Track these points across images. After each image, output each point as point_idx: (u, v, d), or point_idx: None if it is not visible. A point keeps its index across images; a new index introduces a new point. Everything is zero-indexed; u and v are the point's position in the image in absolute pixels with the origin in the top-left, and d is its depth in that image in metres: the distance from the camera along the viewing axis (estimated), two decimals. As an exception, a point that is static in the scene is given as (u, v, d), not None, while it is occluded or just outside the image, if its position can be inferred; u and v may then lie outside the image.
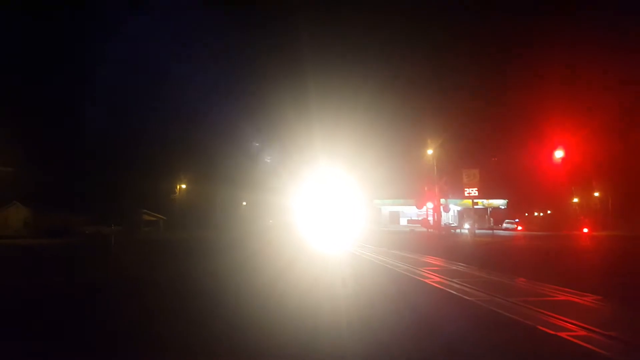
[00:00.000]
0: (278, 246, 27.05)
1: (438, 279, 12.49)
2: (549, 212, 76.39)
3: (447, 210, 53.41)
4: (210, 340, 6.49)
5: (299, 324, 7.28)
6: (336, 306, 8.90)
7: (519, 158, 52.17)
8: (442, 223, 52.13)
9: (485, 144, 60.16)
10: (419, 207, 53.47)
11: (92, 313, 8.54)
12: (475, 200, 55.49)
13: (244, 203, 71.85)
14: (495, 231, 56.06)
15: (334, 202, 46.52)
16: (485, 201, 66.78)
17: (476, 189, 46.92)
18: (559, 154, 29.32)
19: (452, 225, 59.94)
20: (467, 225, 56.38)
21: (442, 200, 46.98)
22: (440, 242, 33.60)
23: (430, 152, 45.56)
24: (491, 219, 66.73)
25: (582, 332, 6.63)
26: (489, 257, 20.79)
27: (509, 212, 71.96)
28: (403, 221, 68.73)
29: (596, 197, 69.75)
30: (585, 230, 54.76)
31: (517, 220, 70.01)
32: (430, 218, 50.55)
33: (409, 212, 66.55)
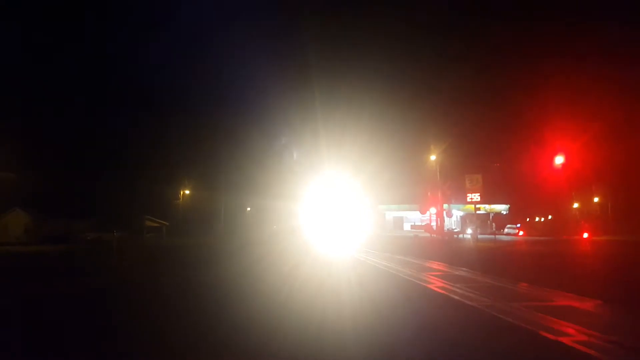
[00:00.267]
0: (282, 252, 27.13)
1: (441, 284, 12.58)
2: (550, 217, 76.34)
3: (450, 215, 53.54)
4: (215, 344, 6.58)
5: (303, 329, 7.40)
6: (341, 311, 9.01)
7: (520, 164, 52.25)
8: (445, 228, 52.19)
9: (488, 149, 60.28)
10: (423, 212, 53.66)
11: (92, 319, 8.63)
12: (477, 206, 55.56)
13: (249, 209, 71.98)
14: (497, 236, 56.05)
15: (339, 208, 46.66)
16: (488, 206, 66.82)
17: (479, 194, 47.06)
18: (559, 159, 29.44)
19: (455, 230, 59.97)
20: (469, 231, 56.38)
21: (445, 206, 47.09)
22: (444, 247, 33.64)
23: (433, 157, 45.72)
24: (493, 224, 66.73)
25: (584, 337, 6.70)
26: (491, 262, 20.84)
27: (511, 218, 71.99)
28: (407, 226, 68.87)
29: (596, 202, 69.75)
30: (586, 235, 54.73)
31: (518, 225, 69.99)
32: (434, 223, 50.64)
33: (413, 218, 66.73)
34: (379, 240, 40.69)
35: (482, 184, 46.77)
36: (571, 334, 6.89)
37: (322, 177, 47.77)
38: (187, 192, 66.66)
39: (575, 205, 70.35)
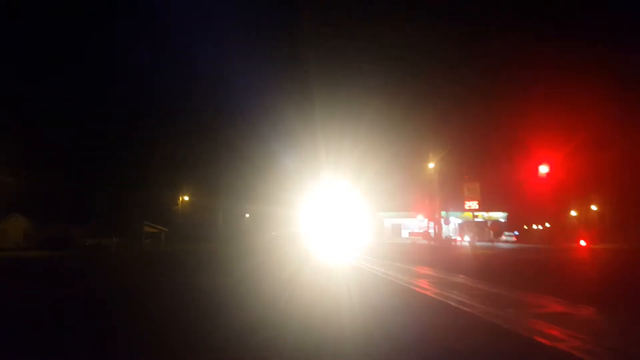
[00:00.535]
0: (281, 259, 27.17)
1: (438, 291, 12.66)
2: (547, 225, 76.56)
3: (447, 223, 53.73)
4: (215, 349, 6.63)
5: (304, 336, 7.50)
6: (341, 317, 9.10)
7: (519, 172, 52.47)
8: (443, 235, 52.33)
9: (487, 158, 60.50)
10: (421, 219, 53.82)
11: (89, 325, 8.66)
12: (475, 213, 55.82)
13: (247, 215, 72.02)
14: (495, 243, 56.19)
15: (338, 215, 46.86)
16: (486, 214, 67.12)
17: (477, 202, 47.31)
18: (544, 169, 29.60)
19: (453, 237, 60.12)
20: (467, 238, 56.57)
21: (443, 213, 47.28)
22: (441, 254, 33.71)
23: (431, 165, 45.95)
24: (491, 231, 66.93)
25: (579, 344, 6.77)
26: (488, 270, 20.93)
27: (509, 225, 72.20)
28: (405, 233, 68.98)
29: (594, 210, 70.03)
30: (583, 243, 54.93)
31: (516, 232, 70.18)
32: (432, 230, 50.82)
33: (411, 225, 66.87)
34: (377, 248, 40.77)
35: (480, 192, 47.03)
36: (567, 340, 6.96)
37: (321, 184, 48.01)
38: (186, 198, 66.70)
39: (573, 213, 70.63)
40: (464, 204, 48.70)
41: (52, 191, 52.05)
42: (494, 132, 64.50)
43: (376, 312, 9.82)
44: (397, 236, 68.08)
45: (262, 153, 59.51)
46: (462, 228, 67.67)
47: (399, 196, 59.45)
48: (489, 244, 55.56)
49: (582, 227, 63.83)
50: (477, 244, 51.82)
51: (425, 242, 50.65)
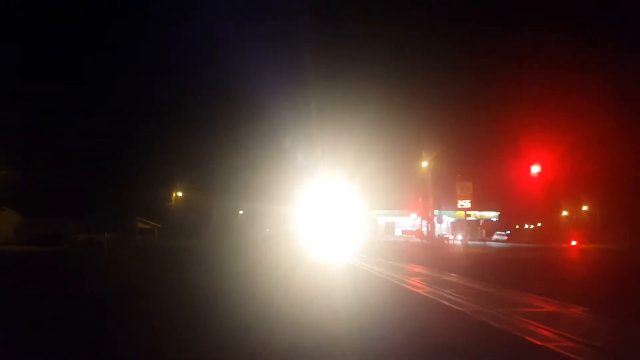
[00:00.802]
0: (276, 257, 27.18)
1: (430, 290, 12.78)
2: (539, 224, 77.12)
3: (440, 221, 53.96)
4: (210, 348, 6.66)
5: (299, 334, 7.56)
6: (336, 315, 9.18)
7: (511, 172, 52.80)
8: (436, 234, 52.58)
9: (479, 157, 60.83)
10: (414, 218, 54.05)
11: (79, 323, 8.61)
12: (467, 212, 56.12)
13: (241, 212, 71.93)
14: (487, 242, 56.51)
15: (332, 212, 47.01)
16: (478, 213, 67.49)
17: (469, 201, 47.57)
18: (535, 168, 29.82)
19: (446, 236, 60.41)
20: (459, 237, 56.86)
21: (436, 212, 47.48)
22: (434, 252, 33.89)
23: (425, 164, 46.13)
24: (483, 230, 67.32)
25: (569, 343, 6.86)
26: (480, 268, 21.10)
27: (501, 224, 72.64)
28: (398, 232, 69.22)
29: (585, 210, 70.61)
30: (574, 243, 55.43)
31: (508, 232, 70.63)
32: (424, 229, 51.02)
33: (404, 223, 67.08)
34: (371, 246, 40.91)
35: (473, 191, 47.30)
36: (556, 340, 7.06)
37: (316, 181, 48.12)
38: (179, 194, 66.49)
39: (564, 213, 71.17)
40: (456, 202, 48.95)
41: (45, 186, 51.76)
42: (487, 132, 64.88)
43: (370, 311, 9.89)
44: (391, 234, 68.31)
45: (257, 150, 59.50)
46: (455, 227, 68.01)
47: (393, 194, 59.71)
48: (481, 242, 55.89)
49: (573, 227, 64.36)
50: (469, 242, 52.12)
51: (418, 240, 50.88)
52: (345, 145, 47.44)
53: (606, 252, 39.53)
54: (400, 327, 8.26)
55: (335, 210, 48.33)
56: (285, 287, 13.54)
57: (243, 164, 59.43)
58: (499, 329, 7.88)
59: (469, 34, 71.96)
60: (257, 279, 15.51)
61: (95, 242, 38.92)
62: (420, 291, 12.70)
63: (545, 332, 7.53)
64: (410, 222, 62.15)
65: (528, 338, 7.18)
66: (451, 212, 62.19)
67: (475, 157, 60.26)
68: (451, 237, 61.33)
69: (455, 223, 67.79)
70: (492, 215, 72.05)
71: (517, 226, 76.85)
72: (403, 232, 66.65)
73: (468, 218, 61.38)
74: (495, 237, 66.96)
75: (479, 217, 69.12)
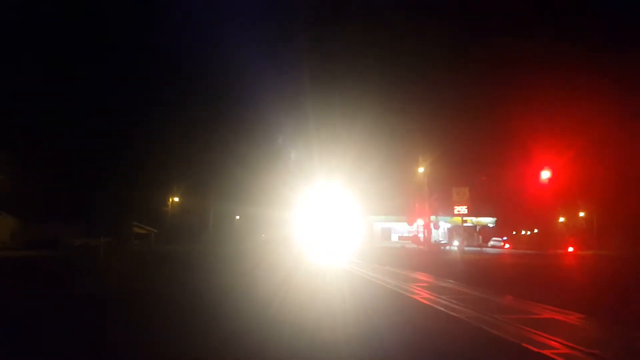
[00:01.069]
0: (273, 262, 27.10)
1: (427, 296, 12.78)
2: (535, 230, 77.26)
3: (437, 227, 53.87)
4: (209, 352, 6.67)
5: (297, 339, 7.55)
6: (333, 321, 9.18)
7: (508, 178, 52.96)
8: (432, 240, 52.58)
9: (476, 163, 60.94)
10: (410, 223, 54.04)
11: (75, 328, 8.57)
12: (464, 218, 56.19)
13: (238, 217, 71.80)
14: (483, 249, 56.59)
15: (328, 218, 47.00)
16: (475, 219, 67.58)
17: (466, 207, 47.66)
18: (545, 174, 29.95)
19: (442, 242, 60.45)
20: (456, 243, 56.93)
21: (433, 218, 47.47)
22: (430, 258, 33.91)
23: (421, 170, 46.19)
24: (480, 236, 67.41)
25: (566, 350, 6.88)
26: (476, 275, 21.12)
27: (498, 230, 72.74)
28: (394, 237, 69.25)
29: (582, 217, 70.81)
30: (571, 249, 55.54)
31: (504, 238, 70.73)
32: (421, 235, 51.01)
33: (400, 229, 67.10)
34: (367, 251, 40.91)
35: (470, 197, 47.38)
36: (553, 347, 7.08)
37: (313, 187, 48.16)
38: (175, 199, 66.34)
39: (561, 219, 71.34)
40: (453, 208, 49.03)
41: (42, 191, 51.50)
42: (484, 138, 64.96)
43: (367, 317, 9.89)
44: (387, 240, 68.32)
45: (254, 156, 59.40)
46: (451, 233, 68.09)
47: (389, 200, 59.72)
48: (478, 249, 55.95)
49: (570, 233, 64.50)
50: (466, 248, 52.17)
51: (415, 246, 50.91)
52: (342, 151, 47.56)
53: (603, 259, 39.61)
54: (397, 333, 8.27)
55: (332, 215, 48.33)
56: (282, 292, 13.51)
57: (240, 169, 59.37)
58: (496, 336, 7.89)
59: (468, 38, 72.34)
60: (255, 284, 15.47)
61: (92, 247, 38.73)
62: (417, 297, 12.69)
63: (542, 339, 7.54)
64: (406, 227, 62.16)
65: (525, 345, 7.19)
66: (448, 218, 62.26)
67: (472, 163, 60.38)
68: (446, 242, 61.41)
69: (452, 229, 67.87)
70: (489, 221, 72.16)
71: (514, 232, 76.95)
72: (399, 237, 66.68)
73: (465, 224, 61.44)
74: (491, 243, 67.05)
75: (475, 223, 69.20)
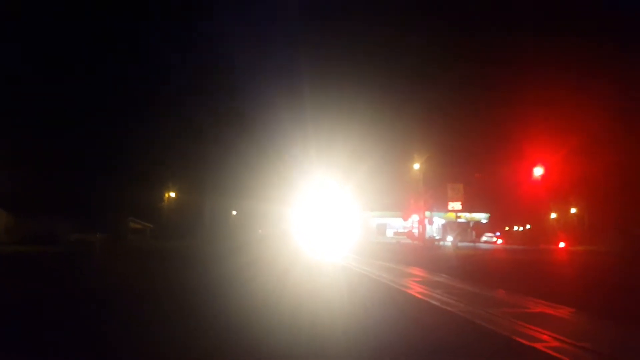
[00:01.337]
0: (269, 258, 27.22)
1: (421, 290, 12.98)
2: (528, 226, 77.81)
3: (431, 223, 54.31)
4: (206, 348, 6.74)
5: (294, 334, 7.71)
6: (330, 316, 9.34)
7: (501, 174, 53.32)
8: (427, 235, 52.94)
9: (470, 159, 61.30)
10: (405, 219, 54.38)
11: (71, 324, 8.55)
12: (458, 214, 56.60)
13: (234, 212, 71.78)
14: (476, 244, 57.03)
15: (324, 214, 47.23)
16: (468, 215, 67.94)
17: (460, 202, 48.05)
18: (538, 171, 30.26)
19: (436, 237, 60.83)
20: (450, 238, 57.31)
21: (427, 213, 47.80)
22: (425, 254, 34.17)
23: (416, 166, 46.46)
24: (473, 232, 67.83)
25: (557, 344, 7.02)
26: (470, 270, 21.35)
27: (491, 226, 73.24)
28: (389, 233, 69.58)
29: (573, 213, 71.39)
30: (562, 244, 56.04)
31: (497, 233, 71.24)
32: (416, 230, 51.36)
33: (396, 224, 67.45)
34: (363, 246, 41.13)
35: (464, 193, 47.74)
36: (545, 340, 7.23)
37: (310, 182, 48.35)
38: (172, 194, 66.18)
39: (553, 215, 71.88)
40: (447, 204, 49.42)
41: (36, 185, 51.23)
42: (479, 135, 65.27)
43: (364, 311, 10.04)
44: (382, 235, 68.64)
45: (251, 151, 59.47)
46: (445, 228, 68.47)
47: (385, 196, 60.07)
48: (471, 244, 56.36)
49: (562, 229, 65.00)
50: (459, 244, 52.58)
51: (410, 241, 51.23)
52: (338, 147, 47.77)
53: (594, 254, 40.05)
54: (392, 326, 8.42)
55: (328, 211, 48.55)
56: (279, 288, 13.66)
57: (237, 164, 59.41)
58: (489, 329, 8.04)
59: (462, 36, 72.45)
60: (252, 279, 15.60)
61: (87, 242, 38.70)
62: (411, 292, 12.89)
63: (534, 333, 7.68)
64: (401, 223, 62.49)
65: (517, 338, 7.32)
66: (442, 214, 62.64)
67: (466, 160, 60.73)
68: (440, 238, 61.78)
69: (446, 225, 68.25)
70: (482, 217, 72.65)
71: (507, 228, 77.44)
72: (395, 233, 67.01)
73: (458, 220, 61.86)
74: (484, 238, 67.53)
75: (469, 219, 69.63)
